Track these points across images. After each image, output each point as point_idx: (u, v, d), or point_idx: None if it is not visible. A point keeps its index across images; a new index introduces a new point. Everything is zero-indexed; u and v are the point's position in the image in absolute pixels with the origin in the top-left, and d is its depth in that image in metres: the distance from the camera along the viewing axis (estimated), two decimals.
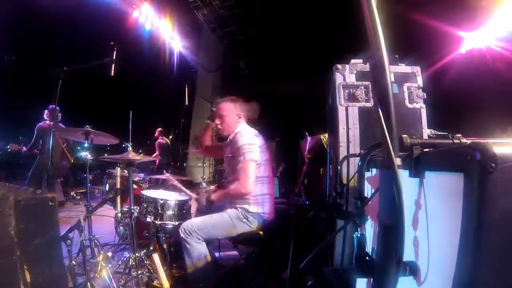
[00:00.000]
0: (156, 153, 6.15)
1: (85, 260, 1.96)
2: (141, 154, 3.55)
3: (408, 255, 0.69)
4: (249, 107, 2.12)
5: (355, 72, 1.72)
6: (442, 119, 2.25)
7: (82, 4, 6.81)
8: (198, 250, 1.77)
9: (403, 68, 1.76)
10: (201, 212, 2.09)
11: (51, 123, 4.01)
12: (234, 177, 1.95)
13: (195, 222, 1.85)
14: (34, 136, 4.24)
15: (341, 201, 1.38)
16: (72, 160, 5.09)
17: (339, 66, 1.73)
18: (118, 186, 2.59)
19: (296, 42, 9.54)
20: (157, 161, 5.62)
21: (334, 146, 1.78)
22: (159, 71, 8.73)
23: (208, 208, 2.03)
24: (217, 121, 2.07)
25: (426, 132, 1.69)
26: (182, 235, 1.78)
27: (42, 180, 2.30)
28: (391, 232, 0.58)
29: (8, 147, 4.35)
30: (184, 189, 2.26)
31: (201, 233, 1.78)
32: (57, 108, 2.29)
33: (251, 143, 1.88)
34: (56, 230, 0.76)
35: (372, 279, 0.84)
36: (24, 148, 4.28)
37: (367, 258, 0.86)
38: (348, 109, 1.67)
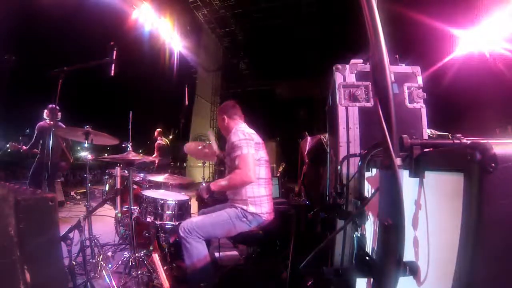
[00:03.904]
0: (155, 154, 6.14)
1: (85, 260, 1.96)
2: (141, 154, 3.52)
3: (408, 255, 0.69)
4: (233, 107, 2.18)
5: (355, 72, 1.72)
6: (442, 119, 2.25)
7: (82, 4, 6.81)
8: (198, 249, 1.77)
9: (403, 68, 1.76)
10: (203, 213, 2.08)
11: (51, 122, 4.01)
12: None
13: (194, 221, 1.86)
14: (35, 135, 4.24)
15: (341, 201, 1.38)
16: (72, 160, 5.09)
17: (339, 66, 1.73)
18: (118, 186, 2.59)
19: (296, 42, 9.54)
20: (156, 162, 5.61)
21: (334, 146, 1.78)
22: (159, 71, 8.74)
23: (210, 207, 2.03)
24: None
25: (426, 132, 1.69)
26: (181, 234, 1.78)
27: (42, 180, 2.30)
28: (391, 232, 0.58)
29: (8, 146, 4.34)
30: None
31: (200, 232, 1.78)
32: (57, 107, 2.28)
33: (246, 138, 1.89)
34: (56, 230, 0.76)
35: (372, 279, 0.84)
36: (24, 147, 4.28)
37: (367, 258, 0.86)
38: (348, 109, 1.67)
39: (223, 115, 2.15)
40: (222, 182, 1.89)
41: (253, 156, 1.87)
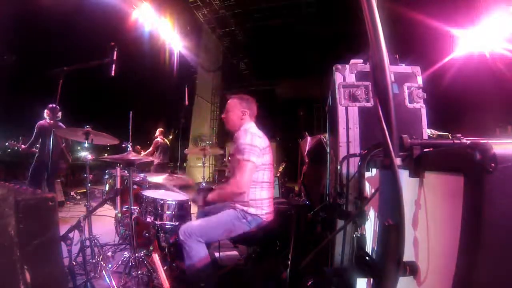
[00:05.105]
0: (151, 149, 6.09)
1: (85, 260, 1.96)
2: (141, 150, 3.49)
3: (408, 255, 0.69)
4: (255, 105, 2.10)
5: (355, 72, 1.72)
6: (442, 119, 2.26)
7: (82, 4, 6.82)
8: (198, 252, 1.76)
9: (403, 68, 1.76)
10: (204, 213, 2.07)
11: (51, 121, 4.01)
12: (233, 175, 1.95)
13: (194, 224, 1.85)
14: (34, 133, 4.25)
15: (341, 201, 1.38)
16: (71, 160, 5.09)
17: (339, 66, 1.73)
18: (118, 186, 2.59)
19: (296, 42, 9.54)
20: (155, 162, 5.61)
21: (334, 146, 1.78)
22: (159, 71, 8.74)
23: (210, 208, 2.03)
24: (223, 115, 2.10)
25: (426, 132, 1.69)
26: (181, 237, 1.77)
27: (42, 180, 2.30)
28: (391, 232, 0.58)
29: (7, 144, 4.35)
30: (179, 191, 2.27)
31: (200, 235, 1.78)
32: (57, 106, 2.29)
33: (252, 144, 1.84)
34: (56, 230, 0.76)
35: (372, 279, 0.84)
36: (23, 146, 4.29)
37: (367, 258, 0.86)
38: (348, 109, 1.67)
39: (245, 109, 2.02)
40: (217, 192, 1.92)
41: (253, 165, 1.83)
